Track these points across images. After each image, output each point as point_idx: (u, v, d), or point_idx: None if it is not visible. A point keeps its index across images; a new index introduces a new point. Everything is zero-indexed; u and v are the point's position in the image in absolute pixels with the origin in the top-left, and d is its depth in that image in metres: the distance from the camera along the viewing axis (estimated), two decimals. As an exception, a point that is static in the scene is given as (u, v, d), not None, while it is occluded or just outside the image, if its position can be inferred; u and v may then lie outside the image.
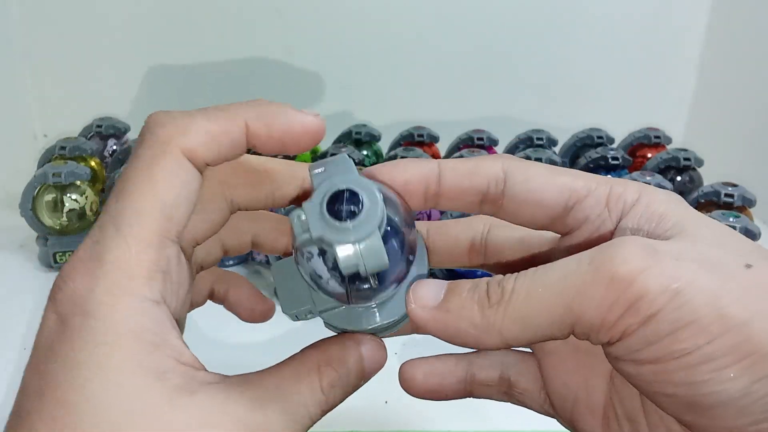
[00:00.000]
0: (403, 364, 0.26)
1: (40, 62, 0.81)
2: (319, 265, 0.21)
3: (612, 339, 0.18)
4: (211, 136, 0.20)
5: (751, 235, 0.55)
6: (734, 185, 0.62)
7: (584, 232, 0.22)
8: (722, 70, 0.84)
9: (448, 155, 0.72)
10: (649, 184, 0.34)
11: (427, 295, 0.21)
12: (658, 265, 0.18)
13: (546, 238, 0.25)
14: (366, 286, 0.21)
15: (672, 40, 0.86)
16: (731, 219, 0.56)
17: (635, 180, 0.27)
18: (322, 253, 0.21)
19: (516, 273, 0.20)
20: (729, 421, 0.18)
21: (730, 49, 0.83)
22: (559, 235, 0.24)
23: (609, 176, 0.23)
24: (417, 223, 0.25)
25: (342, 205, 0.20)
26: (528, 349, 0.26)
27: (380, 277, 0.21)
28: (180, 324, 0.21)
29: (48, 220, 0.60)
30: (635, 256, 0.18)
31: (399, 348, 0.50)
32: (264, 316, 0.29)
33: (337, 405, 0.22)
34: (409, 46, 0.84)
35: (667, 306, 0.17)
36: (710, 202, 0.62)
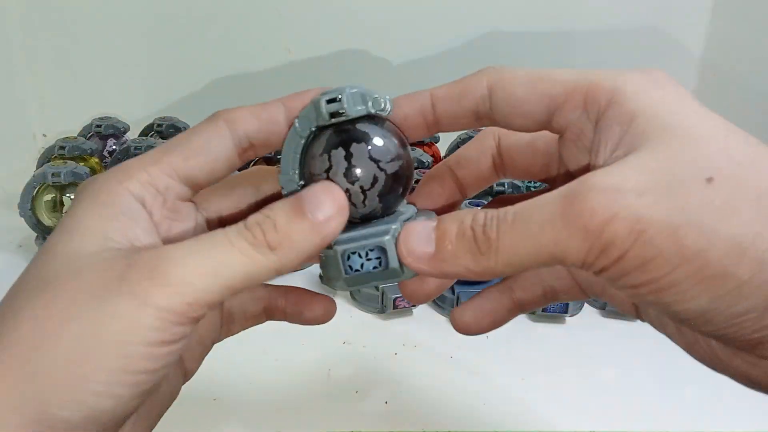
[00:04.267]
0: (453, 311, 0.28)
1: (40, 62, 0.81)
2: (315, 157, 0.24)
3: (595, 272, 0.20)
4: (251, 112, 0.24)
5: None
6: (734, 185, 0.62)
7: (570, 134, 0.23)
8: (722, 70, 0.84)
9: (448, 155, 0.72)
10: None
11: (418, 246, 0.22)
12: (622, 209, 0.19)
13: (550, 137, 0.26)
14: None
15: (672, 40, 0.86)
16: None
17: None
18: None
19: (496, 216, 0.21)
20: (699, 327, 0.21)
21: (730, 49, 0.83)
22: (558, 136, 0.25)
23: (591, 70, 0.23)
24: (440, 167, 0.28)
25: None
26: None
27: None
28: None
29: (47, 220, 0.60)
30: (601, 205, 0.19)
31: (399, 348, 0.50)
32: (327, 312, 0.30)
33: (273, 245, 0.22)
34: (409, 46, 0.84)
35: (633, 246, 0.19)
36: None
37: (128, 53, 0.82)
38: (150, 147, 0.63)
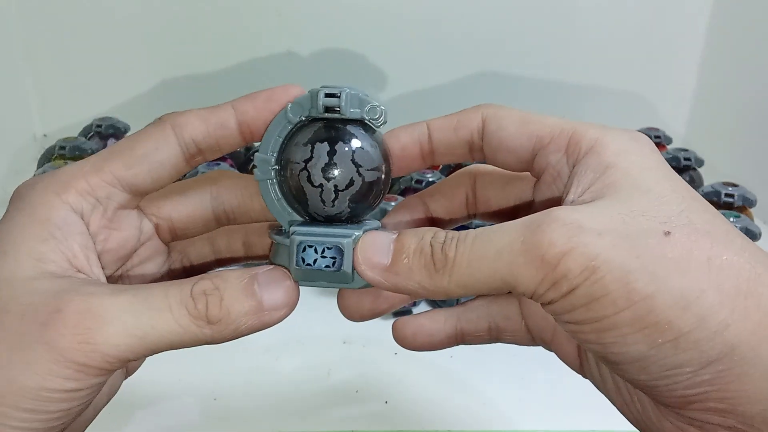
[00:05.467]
0: (395, 321, 0.29)
1: (40, 62, 0.81)
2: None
3: (542, 303, 0.21)
4: (199, 117, 0.24)
5: (752, 235, 0.55)
6: (734, 185, 0.62)
7: (547, 177, 0.24)
8: (722, 70, 0.84)
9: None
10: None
11: (374, 255, 0.22)
12: (581, 245, 0.19)
13: (526, 183, 0.27)
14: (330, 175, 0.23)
15: (672, 40, 0.86)
16: (731, 219, 0.56)
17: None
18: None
19: (457, 237, 0.21)
20: (633, 375, 0.21)
21: (730, 49, 0.83)
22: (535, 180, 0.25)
23: (579, 121, 0.24)
24: (413, 198, 0.28)
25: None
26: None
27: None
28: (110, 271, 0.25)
29: (48, 220, 0.60)
30: (561, 237, 0.20)
31: (399, 348, 0.50)
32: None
33: (217, 324, 0.21)
34: (408, 46, 0.84)
35: (584, 283, 0.19)
36: (710, 202, 0.61)
37: (129, 54, 0.82)
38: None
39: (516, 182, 0.27)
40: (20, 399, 0.20)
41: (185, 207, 0.26)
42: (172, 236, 0.27)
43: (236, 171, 0.63)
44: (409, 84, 0.85)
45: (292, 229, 0.23)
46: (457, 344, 0.29)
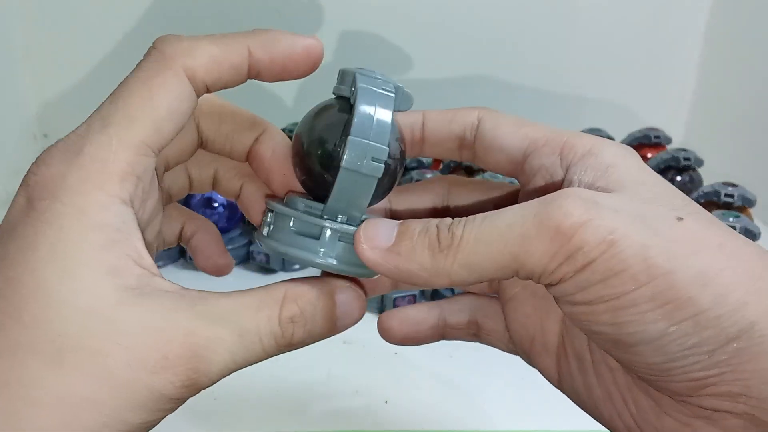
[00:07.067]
0: (381, 314, 0.29)
1: (40, 62, 0.81)
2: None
3: (551, 282, 0.20)
4: (213, 59, 0.21)
5: (751, 235, 0.55)
6: (734, 185, 0.62)
7: (539, 179, 0.23)
8: (722, 70, 0.84)
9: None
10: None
11: (377, 235, 0.21)
12: (597, 218, 0.19)
13: (506, 196, 0.27)
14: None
15: (672, 40, 0.86)
16: (731, 219, 0.56)
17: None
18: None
19: (465, 218, 0.21)
20: (648, 358, 0.20)
21: (730, 49, 0.83)
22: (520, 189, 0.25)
23: (571, 130, 0.24)
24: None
25: None
26: (493, 294, 0.29)
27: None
28: (149, 248, 0.22)
29: (48, 220, 0.60)
30: (577, 209, 0.19)
31: (399, 348, 0.50)
32: (219, 270, 0.30)
33: (296, 345, 0.22)
34: (408, 47, 0.84)
35: (601, 257, 0.19)
36: (710, 202, 0.62)
37: (129, 53, 0.82)
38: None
39: (493, 192, 0.27)
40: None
41: (177, 145, 0.25)
42: (165, 170, 0.26)
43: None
44: (408, 83, 0.85)
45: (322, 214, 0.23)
46: (440, 338, 0.29)
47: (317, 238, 0.23)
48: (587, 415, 0.26)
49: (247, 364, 0.21)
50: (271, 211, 0.24)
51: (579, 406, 0.26)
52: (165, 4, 0.81)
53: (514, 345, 0.28)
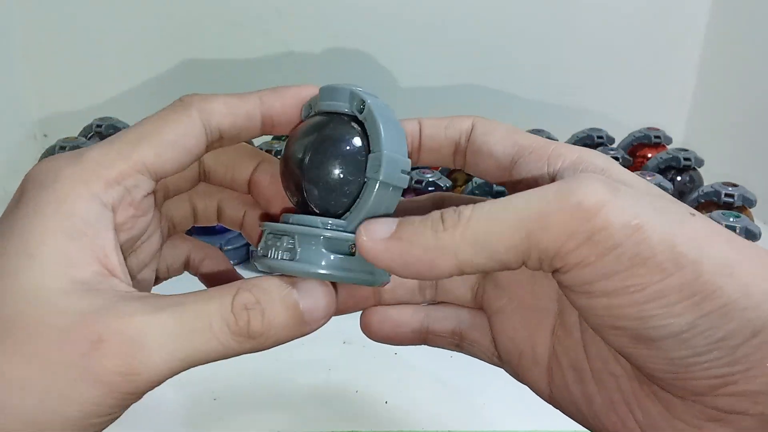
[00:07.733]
0: (365, 311, 0.28)
1: (40, 62, 0.81)
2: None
3: (566, 267, 0.19)
4: (227, 105, 0.23)
5: (751, 235, 0.55)
6: (734, 185, 0.62)
7: (523, 185, 0.23)
8: (722, 70, 0.84)
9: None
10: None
11: (378, 228, 0.21)
12: (621, 200, 0.18)
13: None
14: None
15: (672, 40, 0.86)
16: (731, 219, 0.56)
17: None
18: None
19: (473, 204, 0.20)
20: (671, 353, 0.19)
21: (730, 49, 0.83)
22: None
23: (560, 142, 0.24)
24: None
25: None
26: (478, 308, 0.28)
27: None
28: (138, 264, 0.24)
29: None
30: (600, 189, 0.18)
31: (399, 348, 0.50)
32: None
33: (259, 336, 0.21)
34: (408, 47, 0.84)
35: (627, 241, 0.18)
36: (710, 202, 0.62)
37: (129, 53, 0.82)
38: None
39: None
40: (65, 424, 0.19)
41: (179, 175, 0.25)
42: (165, 197, 0.27)
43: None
44: (406, 86, 0.85)
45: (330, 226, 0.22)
46: (421, 343, 0.28)
47: (352, 254, 0.22)
48: (583, 428, 0.25)
49: (204, 357, 0.20)
50: (271, 233, 0.24)
51: (574, 419, 0.25)
52: (165, 4, 0.81)
53: (500, 358, 0.27)
